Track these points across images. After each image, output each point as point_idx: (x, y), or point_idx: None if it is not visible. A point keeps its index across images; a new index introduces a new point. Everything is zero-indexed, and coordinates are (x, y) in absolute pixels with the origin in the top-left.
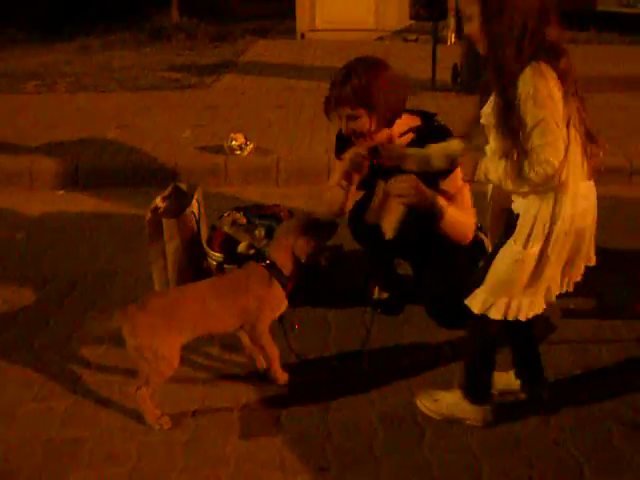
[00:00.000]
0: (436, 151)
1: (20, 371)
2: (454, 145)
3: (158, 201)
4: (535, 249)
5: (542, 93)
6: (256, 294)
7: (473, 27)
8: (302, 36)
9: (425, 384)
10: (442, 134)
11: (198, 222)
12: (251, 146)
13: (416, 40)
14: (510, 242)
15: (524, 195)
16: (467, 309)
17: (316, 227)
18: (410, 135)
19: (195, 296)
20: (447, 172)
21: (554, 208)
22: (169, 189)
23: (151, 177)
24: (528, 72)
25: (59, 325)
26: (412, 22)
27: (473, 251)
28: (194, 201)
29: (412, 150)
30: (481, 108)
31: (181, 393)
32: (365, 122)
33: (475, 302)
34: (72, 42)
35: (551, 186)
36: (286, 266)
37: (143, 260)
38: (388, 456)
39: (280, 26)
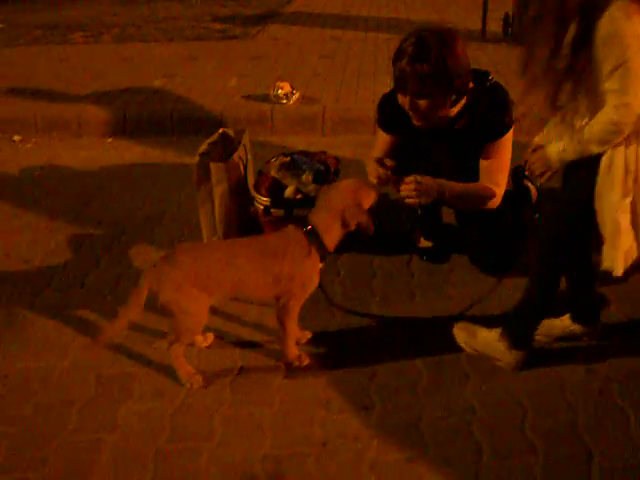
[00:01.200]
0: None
1: (73, 309)
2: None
3: (206, 146)
4: (630, 198)
5: (629, 32)
6: (292, 263)
7: None
8: None
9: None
10: (496, 96)
11: (245, 167)
12: (297, 95)
13: None
14: (608, 194)
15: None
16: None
17: (369, 194)
18: (462, 101)
19: (225, 254)
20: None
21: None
22: (217, 135)
23: (197, 126)
24: (615, 10)
25: (108, 266)
26: None
27: (517, 198)
28: (241, 146)
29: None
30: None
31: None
32: (440, 102)
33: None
34: None
35: (629, 130)
36: (329, 235)
37: (190, 205)
38: (431, 397)
39: None
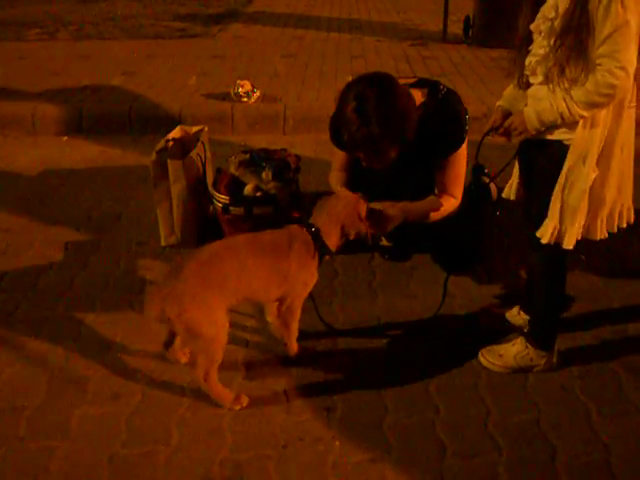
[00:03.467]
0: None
1: (24, 312)
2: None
3: (163, 143)
4: (599, 171)
5: None
6: (298, 262)
7: None
8: None
9: (432, 328)
10: (448, 110)
11: (204, 164)
12: (258, 93)
13: None
14: (579, 167)
15: (585, 122)
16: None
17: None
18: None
19: (234, 258)
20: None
21: (614, 129)
22: (175, 131)
23: (156, 124)
24: None
25: (63, 268)
26: None
27: (477, 196)
28: (199, 143)
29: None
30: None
31: None
32: (392, 152)
33: (546, 233)
34: None
35: (621, 96)
36: (331, 239)
37: (148, 204)
38: (394, 397)
39: None
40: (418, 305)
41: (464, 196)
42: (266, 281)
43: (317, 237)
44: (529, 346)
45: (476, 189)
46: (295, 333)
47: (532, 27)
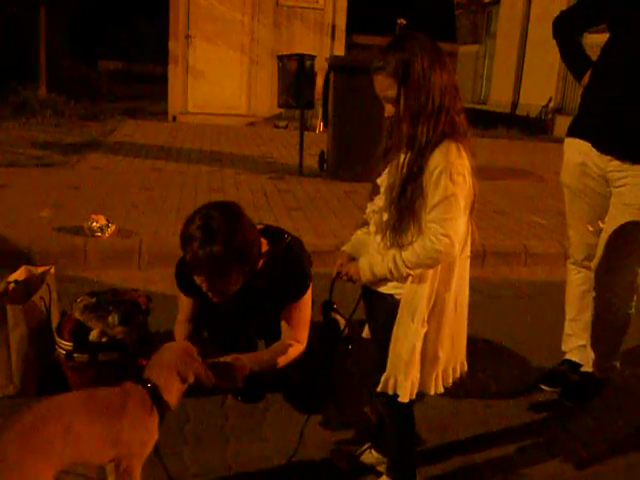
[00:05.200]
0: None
1: None
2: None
3: (4, 284)
4: (429, 327)
5: (457, 169)
6: (132, 423)
7: (393, 108)
8: (174, 118)
9: (286, 474)
10: (290, 259)
11: (48, 308)
12: (113, 228)
13: (286, 127)
14: (407, 322)
15: (414, 278)
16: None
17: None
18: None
19: (58, 415)
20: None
21: (444, 286)
22: (18, 272)
23: (2, 259)
24: (446, 147)
25: None
26: (283, 110)
27: (326, 332)
28: (45, 285)
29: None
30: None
31: None
32: (237, 277)
33: (382, 382)
34: None
35: (446, 261)
36: (170, 392)
37: None
38: None
39: (152, 107)
40: (271, 449)
41: (315, 333)
42: (95, 445)
43: (154, 393)
44: None
45: (325, 325)
46: None
47: (378, 181)
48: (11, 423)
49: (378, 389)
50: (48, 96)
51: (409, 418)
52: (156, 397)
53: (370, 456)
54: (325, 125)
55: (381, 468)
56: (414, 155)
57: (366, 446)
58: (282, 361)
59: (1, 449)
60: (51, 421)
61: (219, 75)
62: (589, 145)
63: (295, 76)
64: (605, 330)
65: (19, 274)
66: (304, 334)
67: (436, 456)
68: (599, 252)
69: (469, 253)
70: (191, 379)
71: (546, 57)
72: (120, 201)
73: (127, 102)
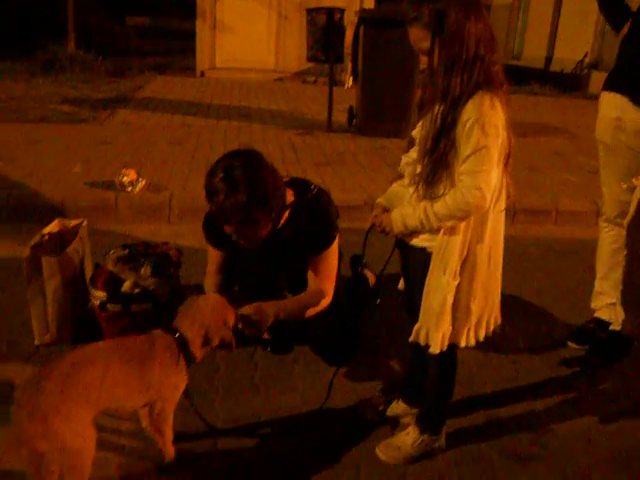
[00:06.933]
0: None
1: None
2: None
3: (39, 237)
4: (462, 280)
5: (491, 121)
6: (161, 369)
7: (428, 59)
8: (202, 74)
9: (313, 424)
10: (316, 210)
11: (82, 260)
12: (143, 182)
13: (315, 82)
14: (439, 275)
15: (446, 230)
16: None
17: (233, 314)
18: (285, 214)
19: (93, 361)
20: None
21: (476, 239)
22: (52, 225)
23: (36, 214)
24: (479, 98)
25: None
26: (312, 65)
27: (355, 287)
28: (78, 238)
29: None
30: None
31: None
32: (264, 224)
33: (415, 333)
34: None
35: (478, 214)
36: (196, 345)
37: (19, 300)
38: None
39: (180, 63)
40: (299, 399)
41: (343, 287)
42: (129, 389)
43: (182, 343)
44: (422, 433)
45: (353, 279)
46: (170, 438)
47: (413, 133)
48: (49, 370)
49: (410, 339)
50: (77, 52)
51: (452, 366)
52: (183, 346)
53: (397, 407)
54: (354, 80)
55: (407, 419)
56: (447, 107)
57: (394, 398)
58: (307, 311)
59: (43, 396)
60: (87, 368)
61: (247, 30)
62: (626, 99)
63: (324, 30)
64: (635, 289)
65: (53, 227)
66: (330, 285)
67: (461, 410)
68: (632, 210)
69: (504, 207)
70: (215, 342)
71: (583, 8)
72: (150, 156)
73: (155, 58)
